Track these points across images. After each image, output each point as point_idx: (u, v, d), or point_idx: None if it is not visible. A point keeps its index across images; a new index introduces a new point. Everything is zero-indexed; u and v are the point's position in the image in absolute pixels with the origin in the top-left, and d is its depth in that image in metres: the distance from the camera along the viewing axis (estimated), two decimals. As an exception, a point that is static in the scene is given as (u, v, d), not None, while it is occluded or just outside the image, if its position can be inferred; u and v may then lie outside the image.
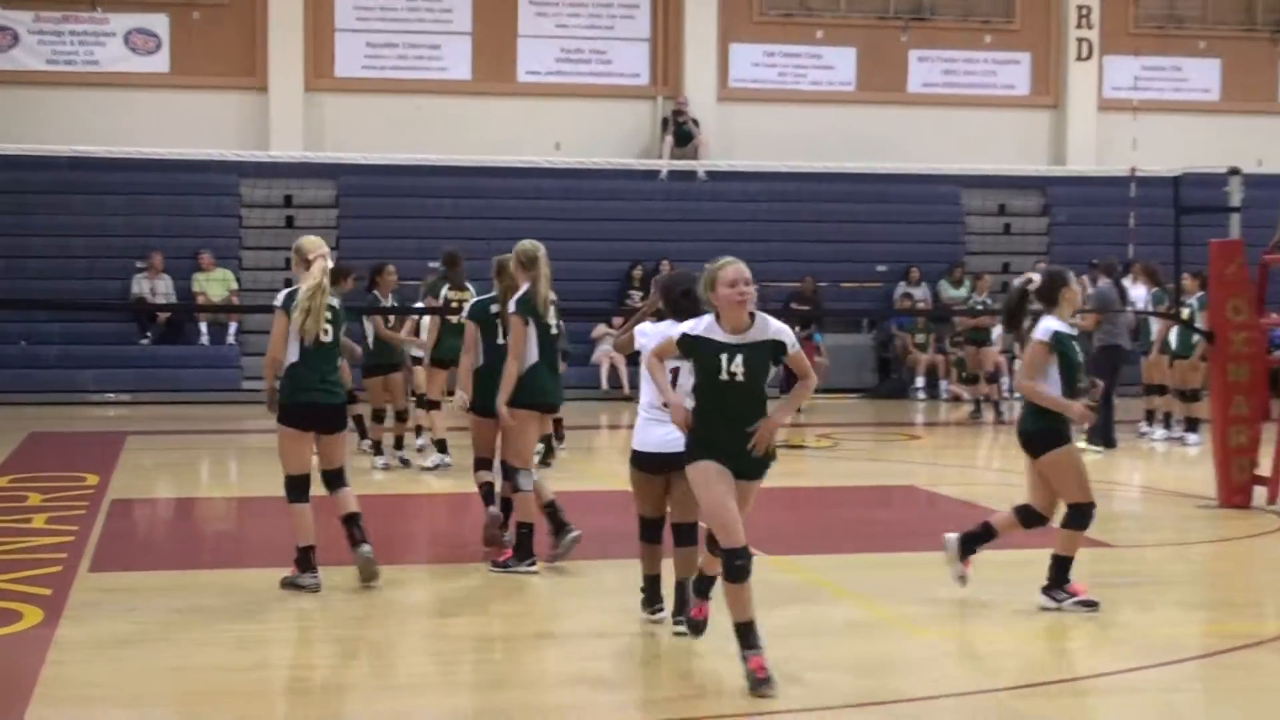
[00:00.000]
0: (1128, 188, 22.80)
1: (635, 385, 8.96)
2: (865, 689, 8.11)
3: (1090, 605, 9.81)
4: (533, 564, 11.06)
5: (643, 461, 9.15)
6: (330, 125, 27.55)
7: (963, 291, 26.23)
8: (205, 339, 25.30)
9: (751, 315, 7.82)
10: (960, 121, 28.88)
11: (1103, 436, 18.40)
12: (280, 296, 10.90)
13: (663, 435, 8.83)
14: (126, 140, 24.14)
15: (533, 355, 11.12)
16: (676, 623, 9.07)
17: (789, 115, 28.34)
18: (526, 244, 11.45)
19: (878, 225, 27.55)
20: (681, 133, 27.65)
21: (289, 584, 10.42)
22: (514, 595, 10.51)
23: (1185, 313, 18.47)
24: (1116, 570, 11.66)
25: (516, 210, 25.21)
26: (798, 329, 24.69)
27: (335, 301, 10.88)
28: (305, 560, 10.46)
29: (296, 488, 10.51)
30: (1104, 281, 19.19)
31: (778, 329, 7.89)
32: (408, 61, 28.08)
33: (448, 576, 11.44)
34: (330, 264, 10.95)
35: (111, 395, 24.68)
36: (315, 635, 9.67)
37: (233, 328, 25.76)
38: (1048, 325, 9.98)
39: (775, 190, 27.37)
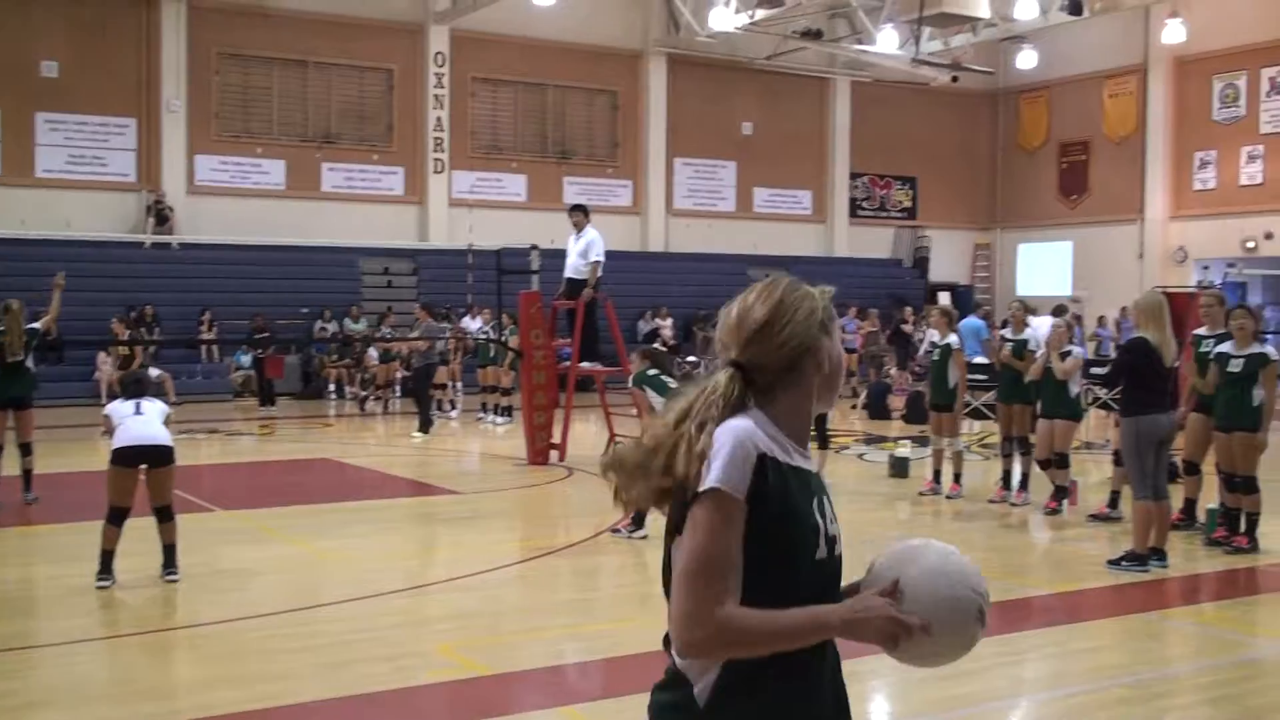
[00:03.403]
0: (467, 257, 23.31)
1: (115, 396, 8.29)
2: (297, 598, 7.97)
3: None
4: None
5: (123, 457, 7.86)
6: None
7: (362, 325, 25.93)
8: None
9: None
10: (358, 212, 28.54)
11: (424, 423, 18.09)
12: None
13: (137, 432, 7.91)
14: None
15: None
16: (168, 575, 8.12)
17: (240, 205, 27.24)
18: None
19: (303, 280, 26.79)
20: (160, 216, 26.14)
21: None
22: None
23: (506, 335, 18.78)
24: (464, 509, 11.86)
25: (40, 269, 22.91)
26: (269, 349, 23.76)
27: None
28: None
29: None
30: (429, 320, 19.33)
31: None
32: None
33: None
34: None
35: None
36: None
37: None
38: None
39: (230, 257, 26.28)
